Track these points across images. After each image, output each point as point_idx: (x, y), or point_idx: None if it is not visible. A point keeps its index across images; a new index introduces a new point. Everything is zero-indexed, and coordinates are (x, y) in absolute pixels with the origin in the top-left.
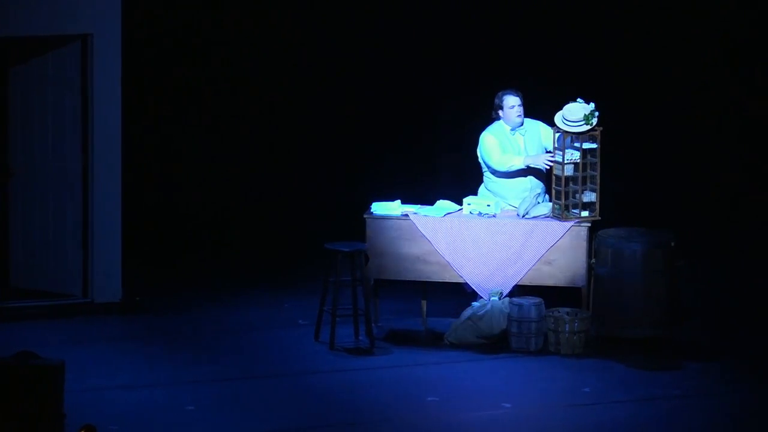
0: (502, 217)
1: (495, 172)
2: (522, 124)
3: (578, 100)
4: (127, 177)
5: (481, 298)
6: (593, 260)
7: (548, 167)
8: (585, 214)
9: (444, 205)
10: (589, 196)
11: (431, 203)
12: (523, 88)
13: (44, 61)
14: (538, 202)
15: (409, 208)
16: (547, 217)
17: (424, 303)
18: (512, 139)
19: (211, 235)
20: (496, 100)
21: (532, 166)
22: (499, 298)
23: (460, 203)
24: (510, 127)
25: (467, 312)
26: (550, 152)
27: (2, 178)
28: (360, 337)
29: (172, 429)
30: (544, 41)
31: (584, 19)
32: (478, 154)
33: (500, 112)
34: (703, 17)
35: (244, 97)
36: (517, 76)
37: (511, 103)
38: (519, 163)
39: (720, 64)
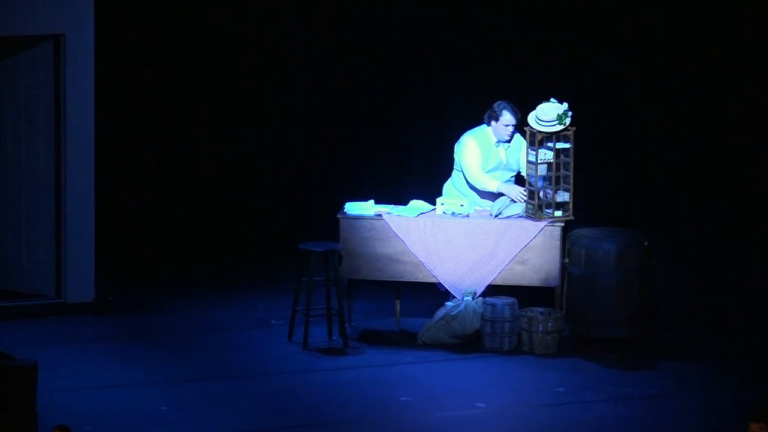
0: (475, 217)
1: (467, 181)
2: (509, 141)
3: (551, 100)
4: (100, 177)
5: (455, 297)
6: (567, 260)
7: (521, 201)
8: (558, 213)
9: (417, 205)
10: (563, 196)
11: (405, 203)
12: (496, 88)
13: (16, 61)
14: (512, 202)
15: (383, 208)
16: (521, 216)
17: (397, 303)
18: (495, 150)
19: (185, 236)
20: (496, 108)
21: (504, 193)
22: (473, 298)
23: (433, 203)
24: (496, 139)
25: (441, 312)
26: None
27: None
28: (333, 337)
29: (146, 429)
30: (518, 41)
31: (557, 19)
32: (455, 150)
33: (493, 122)
34: (675, 17)
35: (218, 97)
36: (491, 76)
37: (507, 121)
38: (493, 188)
39: (692, 63)
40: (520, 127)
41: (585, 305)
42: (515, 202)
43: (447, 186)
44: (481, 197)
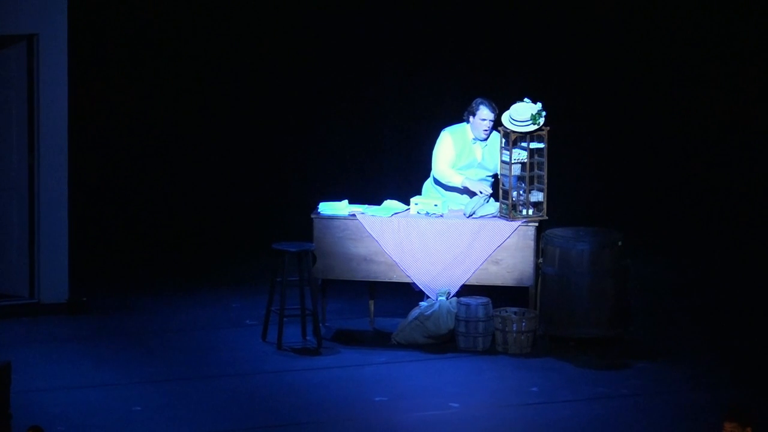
0: (449, 217)
1: (434, 178)
2: (486, 139)
3: (525, 99)
4: (73, 177)
5: (429, 297)
6: (541, 260)
7: (484, 194)
8: (532, 213)
9: (391, 205)
10: (537, 196)
11: (378, 203)
12: (471, 87)
13: None
14: (486, 202)
15: (357, 208)
16: (495, 216)
17: (371, 303)
18: (470, 147)
19: (159, 235)
20: (473, 105)
21: (469, 188)
22: (447, 298)
23: (407, 203)
24: (473, 136)
25: (415, 312)
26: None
27: None
28: (308, 337)
29: (119, 429)
30: (493, 40)
31: (533, 19)
32: None
33: (471, 118)
34: (652, 14)
35: (191, 96)
36: (465, 75)
37: (484, 116)
38: (458, 183)
39: (668, 62)
40: (496, 127)
41: (559, 305)
42: (488, 201)
43: (427, 184)
44: (446, 190)
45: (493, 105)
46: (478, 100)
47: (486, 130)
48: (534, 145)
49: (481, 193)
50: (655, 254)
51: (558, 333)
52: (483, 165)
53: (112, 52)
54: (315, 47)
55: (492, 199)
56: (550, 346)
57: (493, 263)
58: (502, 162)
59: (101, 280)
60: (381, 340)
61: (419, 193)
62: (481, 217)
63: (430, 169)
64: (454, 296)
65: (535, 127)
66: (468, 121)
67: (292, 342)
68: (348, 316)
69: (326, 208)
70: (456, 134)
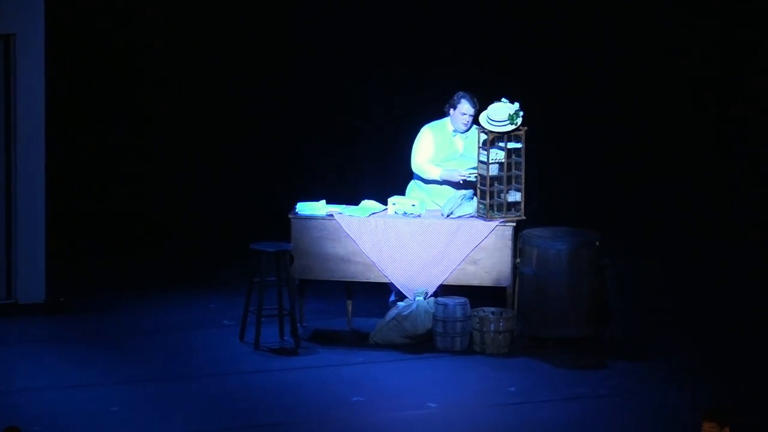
0: (426, 217)
1: (416, 175)
2: (466, 131)
3: (503, 99)
4: (51, 177)
5: (400, 297)
6: (518, 260)
7: (461, 181)
8: (510, 213)
9: (369, 205)
10: (514, 196)
11: (356, 203)
12: (448, 86)
13: None
14: (463, 201)
15: (334, 208)
16: (472, 216)
17: (349, 303)
18: (451, 141)
19: (136, 236)
20: (454, 98)
21: (447, 179)
22: (424, 298)
23: (385, 204)
24: (453, 128)
25: (392, 312)
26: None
27: None
28: (285, 338)
29: (97, 430)
30: (470, 40)
31: (510, 19)
32: None
33: (451, 110)
34: (633, 17)
35: (169, 96)
36: (443, 74)
37: (464, 110)
38: (435, 175)
39: (650, 63)
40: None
41: (536, 305)
42: (465, 200)
43: (411, 186)
44: (426, 183)
45: (475, 99)
46: (460, 93)
47: (465, 124)
48: (512, 145)
49: (461, 178)
50: (633, 254)
51: (536, 333)
52: (465, 155)
53: (89, 53)
54: (292, 48)
55: (474, 198)
56: (527, 346)
57: (471, 263)
58: (480, 162)
59: (79, 281)
60: (358, 340)
61: (397, 193)
62: (459, 217)
63: (409, 168)
64: (431, 296)
65: (513, 127)
66: (448, 114)
67: (270, 342)
68: (326, 316)
69: (304, 208)
70: (436, 129)
